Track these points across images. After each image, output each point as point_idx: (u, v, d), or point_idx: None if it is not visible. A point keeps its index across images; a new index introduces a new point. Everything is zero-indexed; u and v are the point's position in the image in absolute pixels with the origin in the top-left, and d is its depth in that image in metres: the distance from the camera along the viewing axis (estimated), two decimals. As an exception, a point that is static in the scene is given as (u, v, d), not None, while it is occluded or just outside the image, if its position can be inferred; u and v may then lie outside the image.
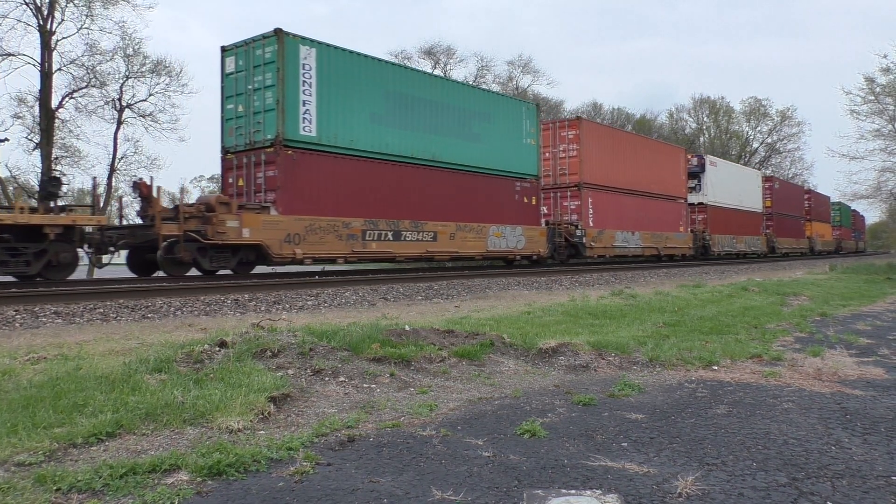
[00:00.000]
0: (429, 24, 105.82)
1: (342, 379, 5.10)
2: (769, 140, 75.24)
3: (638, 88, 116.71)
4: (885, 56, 39.50)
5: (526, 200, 21.97)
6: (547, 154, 24.93)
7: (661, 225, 30.15)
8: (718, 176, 36.53)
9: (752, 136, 75.48)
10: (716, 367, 6.00)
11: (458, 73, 53.54)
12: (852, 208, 70.35)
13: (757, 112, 74.21)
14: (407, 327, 6.69)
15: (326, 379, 5.06)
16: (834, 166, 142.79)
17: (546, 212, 24.76)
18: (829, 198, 63.00)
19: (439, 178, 18.87)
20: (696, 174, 35.15)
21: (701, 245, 34.08)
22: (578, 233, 24.48)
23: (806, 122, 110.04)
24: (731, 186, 37.81)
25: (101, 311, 9.97)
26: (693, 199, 34.44)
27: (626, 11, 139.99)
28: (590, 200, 25.25)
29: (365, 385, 5.04)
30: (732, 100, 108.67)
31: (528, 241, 21.73)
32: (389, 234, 17.21)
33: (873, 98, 29.85)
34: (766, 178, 46.38)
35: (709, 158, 36.65)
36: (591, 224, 25.17)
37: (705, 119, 74.70)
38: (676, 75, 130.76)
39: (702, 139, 73.45)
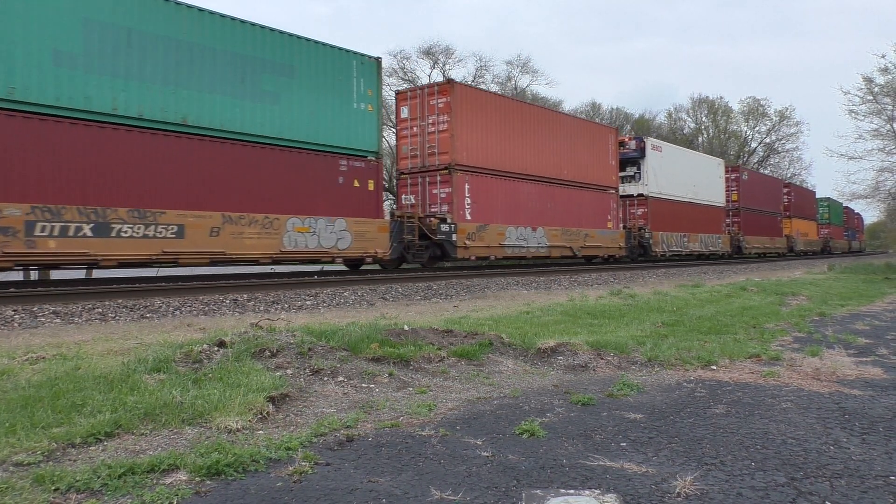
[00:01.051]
0: (429, 24, 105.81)
1: (341, 379, 5.10)
2: (767, 140, 75.32)
3: (638, 88, 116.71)
4: (883, 56, 39.57)
5: (357, 185, 16.71)
6: (414, 128, 20.21)
7: (578, 219, 24.50)
8: (665, 163, 31.20)
9: (750, 136, 75.57)
10: (714, 367, 6.00)
11: (457, 73, 53.54)
12: (845, 205, 67.34)
13: (755, 112, 74.30)
14: (406, 327, 6.69)
15: (325, 379, 5.06)
16: (832, 166, 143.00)
17: (413, 202, 20.15)
18: (814, 192, 59.34)
19: (196, 151, 13.71)
20: (633, 160, 30.01)
21: (637, 244, 28.84)
22: (445, 228, 19.01)
23: (804, 121, 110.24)
24: (683, 176, 32.62)
25: (100, 310, 9.96)
26: (631, 189, 29.87)
27: (626, 11, 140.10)
28: (466, 187, 19.80)
29: (364, 385, 5.04)
30: (731, 100, 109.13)
31: (356, 239, 16.51)
32: (86, 229, 11.96)
33: (871, 98, 29.87)
34: (732, 168, 41.28)
35: (651, 142, 30.84)
36: (468, 217, 19.82)
37: (704, 119, 74.77)
38: (676, 75, 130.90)
39: (700, 139, 73.50)
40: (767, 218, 44.28)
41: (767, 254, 44.29)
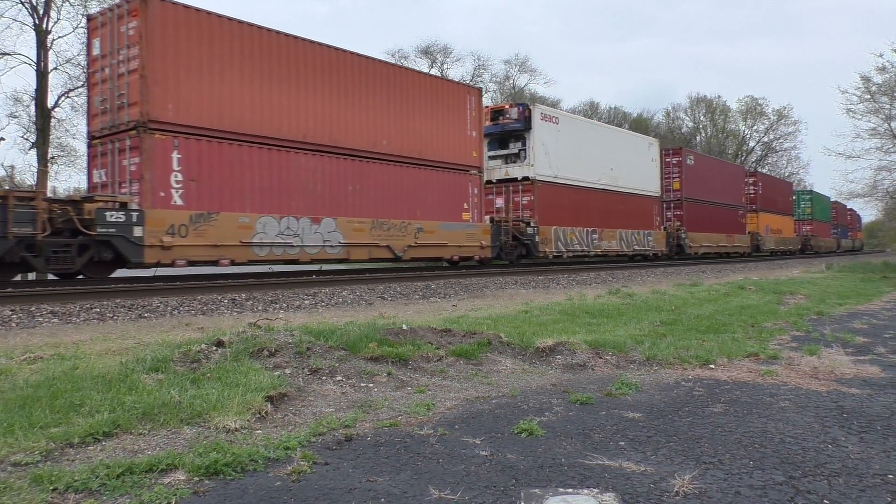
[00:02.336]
0: (428, 24, 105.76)
1: (339, 378, 5.10)
2: (766, 139, 75.45)
3: (637, 87, 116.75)
4: (881, 55, 39.51)
5: None
6: (106, 70, 13.93)
7: (410, 209, 18.23)
8: (563, 139, 24.46)
9: (748, 136, 75.66)
10: (713, 366, 6.01)
11: (456, 72, 53.52)
12: (832, 199, 62.59)
13: (753, 111, 74.44)
14: (404, 326, 6.69)
15: (324, 378, 5.06)
16: (830, 165, 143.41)
17: (104, 180, 13.86)
18: (790, 184, 54.09)
19: None
20: (517, 134, 23.54)
21: (516, 242, 22.21)
22: (116, 218, 12.53)
23: (802, 120, 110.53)
24: (594, 156, 26.04)
25: (98, 310, 9.95)
26: (515, 171, 23.51)
27: (626, 11, 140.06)
28: (174, 157, 13.49)
29: (362, 384, 5.04)
30: (729, 99, 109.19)
31: None
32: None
33: (869, 97, 29.89)
34: (674, 151, 34.27)
35: (539, 109, 24.10)
36: (179, 202, 13.50)
37: (702, 118, 74.85)
38: (675, 74, 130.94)
39: (698, 138, 73.58)
40: (723, 211, 37.32)
41: (723, 254, 37.70)
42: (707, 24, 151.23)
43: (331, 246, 16.23)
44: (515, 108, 23.56)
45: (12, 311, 9.44)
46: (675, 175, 33.23)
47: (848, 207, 70.61)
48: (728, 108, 74.70)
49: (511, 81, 57.17)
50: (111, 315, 9.83)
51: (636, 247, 28.90)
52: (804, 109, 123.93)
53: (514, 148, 23.90)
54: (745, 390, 5.08)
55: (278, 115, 15.38)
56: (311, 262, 16.36)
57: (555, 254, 23.74)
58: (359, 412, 4.30)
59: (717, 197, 36.76)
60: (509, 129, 23.56)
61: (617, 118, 66.37)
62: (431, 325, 7.11)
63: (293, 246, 15.37)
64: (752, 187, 43.04)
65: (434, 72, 51.87)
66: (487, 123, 22.96)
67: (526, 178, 23.36)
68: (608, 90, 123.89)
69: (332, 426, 3.95)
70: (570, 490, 2.98)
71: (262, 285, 13.45)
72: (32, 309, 9.67)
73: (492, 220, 21.80)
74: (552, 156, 23.95)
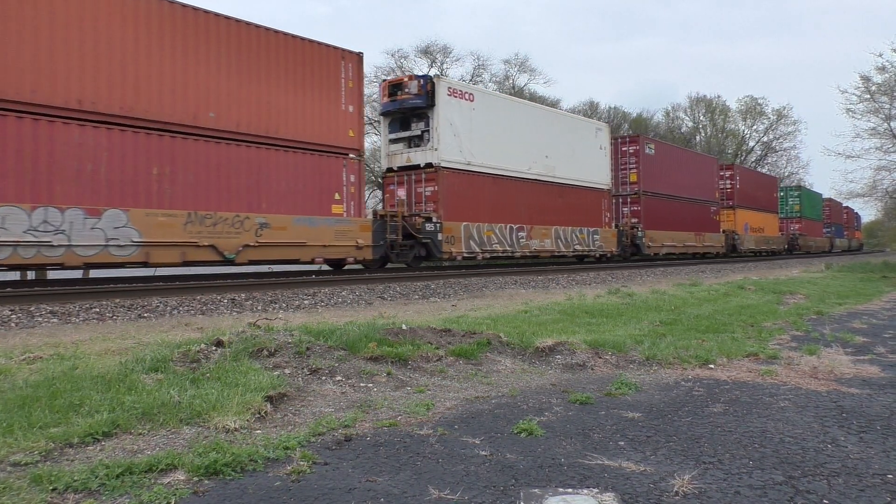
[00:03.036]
0: (429, 24, 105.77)
1: (339, 378, 5.10)
2: (765, 139, 75.44)
3: (638, 87, 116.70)
4: (880, 55, 39.58)
5: None
6: None
7: (243, 199, 14.38)
8: (480, 119, 20.60)
9: (748, 135, 75.67)
10: (712, 366, 6.01)
11: (455, 72, 53.48)
12: (825, 197, 60.24)
13: (753, 111, 74.43)
14: (404, 326, 6.68)
15: (323, 378, 5.06)
16: (830, 165, 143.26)
17: None
18: (775, 179, 49.61)
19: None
20: (419, 112, 19.70)
21: (405, 241, 18.44)
22: None
23: (802, 120, 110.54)
24: (522, 142, 22.12)
25: (98, 310, 9.95)
26: (419, 157, 19.74)
27: (626, 11, 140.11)
28: None
29: (362, 384, 5.04)
30: (729, 99, 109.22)
31: None
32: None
33: (869, 97, 29.88)
34: (630, 139, 30.15)
35: (446, 83, 19.81)
36: None
37: (701, 118, 74.86)
38: (676, 74, 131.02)
39: (698, 138, 73.59)
40: (692, 207, 33.49)
41: (691, 255, 34.30)
42: (707, 25, 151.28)
43: (118, 246, 12.36)
44: (415, 82, 19.66)
45: (12, 310, 9.44)
46: (631, 166, 29.19)
47: (844, 206, 68.01)
48: (728, 107, 74.75)
49: (511, 81, 57.13)
50: (111, 315, 9.83)
51: (577, 246, 24.60)
52: (804, 109, 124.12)
53: (416, 129, 20.06)
54: (744, 390, 5.09)
55: (31, 69, 11.38)
56: (86, 266, 12.62)
57: (465, 255, 19.92)
58: (358, 412, 4.30)
59: (684, 191, 32.83)
60: (409, 106, 19.63)
61: (617, 118, 66.39)
62: (431, 324, 7.11)
63: (54, 246, 11.53)
64: (728, 181, 39.06)
65: (434, 72, 51.79)
66: (385, 100, 20.26)
67: (429, 165, 19.53)
68: (608, 90, 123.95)
69: (331, 426, 3.95)
70: (570, 490, 2.98)
71: (262, 285, 13.45)
72: (32, 309, 9.66)
73: (375, 213, 17.87)
74: (464, 139, 20.13)
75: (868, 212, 75.12)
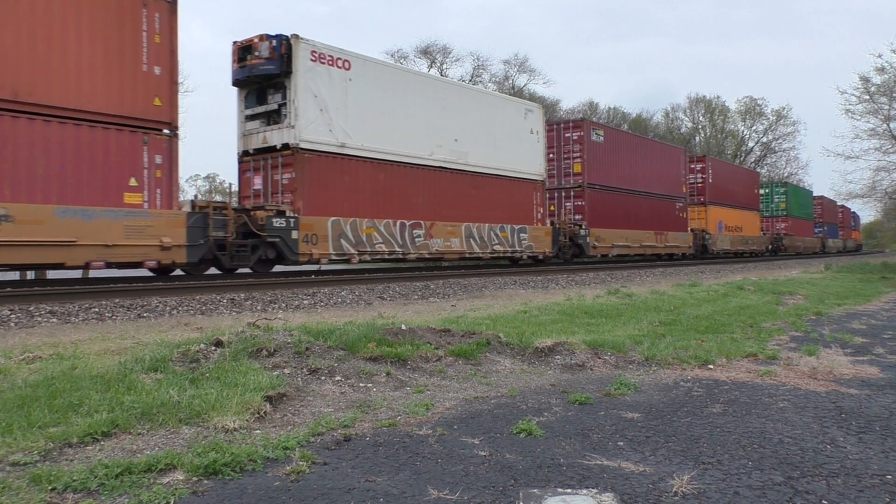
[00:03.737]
0: (429, 24, 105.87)
1: (338, 378, 5.10)
2: (764, 139, 75.48)
3: (638, 87, 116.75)
4: (879, 55, 39.52)
5: None
6: None
7: None
8: (359, 93, 16.92)
9: (747, 136, 75.71)
10: (711, 366, 6.01)
11: (455, 73, 53.50)
12: (816, 194, 58.08)
13: (752, 111, 74.48)
14: (403, 326, 6.68)
15: (323, 378, 5.06)
16: (829, 166, 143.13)
17: None
18: (756, 174, 45.97)
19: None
20: (273, 82, 16.05)
21: (243, 240, 14.73)
22: None
23: (801, 121, 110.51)
24: (425, 122, 18.58)
25: (97, 310, 9.95)
26: (274, 138, 15.99)
27: (626, 11, 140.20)
28: None
29: (361, 384, 5.04)
30: (728, 99, 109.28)
31: None
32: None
33: (868, 97, 29.89)
34: (574, 124, 26.17)
35: (308, 46, 15.87)
36: None
37: (701, 118, 74.89)
38: (676, 75, 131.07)
39: (697, 138, 73.60)
40: (651, 203, 29.66)
41: (649, 255, 30.27)
42: (707, 25, 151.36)
43: None
44: (267, 43, 15.57)
45: (11, 310, 9.43)
46: (575, 155, 25.36)
47: (839, 204, 65.05)
48: (727, 108, 74.80)
49: (510, 81, 57.18)
50: (110, 315, 9.83)
51: (497, 247, 20.82)
52: (803, 110, 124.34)
53: (272, 102, 16.16)
54: (743, 390, 5.09)
55: None
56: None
57: (334, 257, 16.27)
58: (358, 412, 4.30)
59: (643, 185, 28.97)
60: (260, 73, 15.70)
61: (616, 118, 66.44)
62: (430, 324, 7.11)
63: None
64: (698, 175, 35.27)
65: (433, 72, 51.69)
66: (235, 66, 16.36)
67: (286, 147, 15.75)
68: (609, 90, 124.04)
69: (330, 426, 3.95)
70: (569, 490, 2.98)
71: (261, 285, 13.44)
72: (31, 309, 9.66)
73: (193, 205, 13.96)
74: (335, 114, 16.28)
75: (867, 212, 74.81)
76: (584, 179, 25.58)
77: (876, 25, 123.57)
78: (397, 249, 17.73)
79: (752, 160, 74.02)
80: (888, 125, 29.66)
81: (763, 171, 69.30)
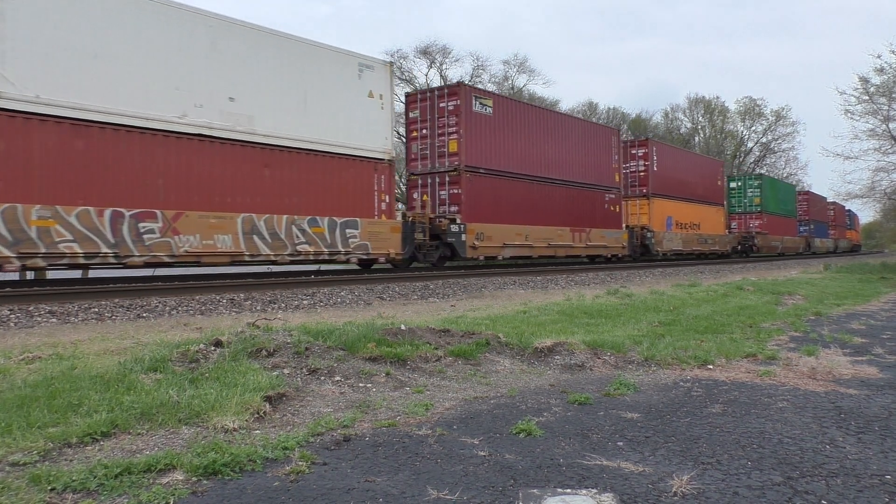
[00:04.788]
0: (430, 24, 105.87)
1: (338, 378, 5.10)
2: (764, 140, 75.51)
3: (639, 87, 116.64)
4: (879, 56, 39.64)
5: None
6: None
7: None
8: (28, 13, 11.48)
9: (746, 136, 75.76)
10: (711, 367, 6.01)
11: (455, 73, 53.47)
12: (801, 189, 54.91)
13: (752, 112, 74.50)
14: (403, 326, 6.68)
15: (322, 378, 5.06)
16: (828, 166, 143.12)
17: None
18: (719, 163, 40.10)
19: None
20: None
21: None
22: None
23: (800, 121, 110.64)
24: (170, 68, 13.47)
25: (96, 310, 9.95)
26: None
27: (627, 12, 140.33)
28: None
29: (361, 384, 5.04)
30: (728, 100, 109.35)
31: None
32: None
33: (867, 98, 29.88)
34: (450, 91, 20.48)
35: None
36: None
37: (700, 119, 74.92)
38: (676, 75, 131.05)
39: (697, 138, 73.61)
40: (567, 193, 24.17)
41: (561, 257, 24.57)
42: (707, 26, 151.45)
43: None
44: None
45: (10, 310, 9.43)
46: (451, 130, 19.95)
47: (829, 201, 61.19)
48: (726, 108, 74.83)
49: (510, 82, 57.17)
50: (109, 315, 9.82)
51: (304, 246, 15.37)
52: (802, 110, 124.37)
53: None
54: (743, 391, 5.09)
55: None
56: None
57: None
58: (357, 412, 4.30)
59: (555, 171, 23.69)
60: None
61: (616, 118, 66.41)
62: (430, 325, 7.11)
63: None
64: (640, 162, 29.93)
65: (433, 71, 51.61)
66: None
67: None
68: (609, 91, 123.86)
69: (330, 426, 3.95)
70: (569, 490, 2.98)
71: (261, 285, 13.44)
72: (31, 309, 9.66)
73: None
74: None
75: (867, 213, 74.61)
76: (460, 161, 19.86)
77: (876, 25, 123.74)
78: (105, 251, 12.32)
79: (752, 160, 74.06)
80: (887, 126, 29.67)
81: (763, 171, 69.23)
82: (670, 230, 31.68)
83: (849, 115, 31.13)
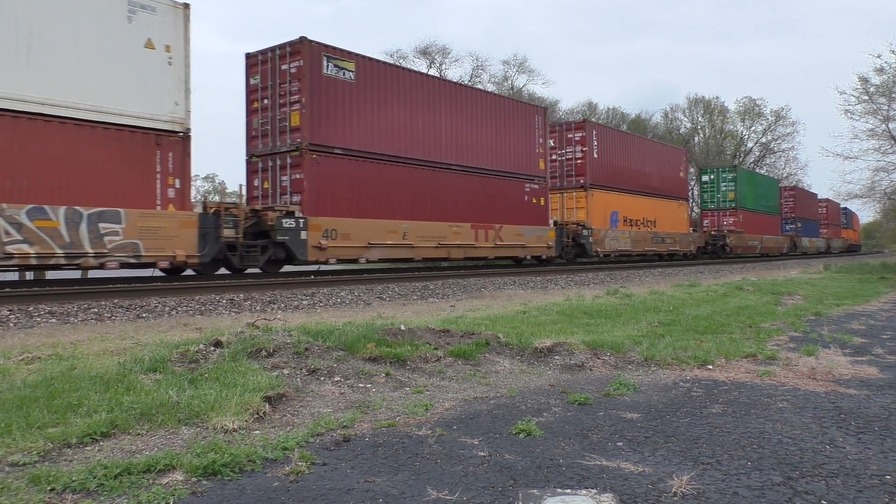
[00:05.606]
0: (430, 24, 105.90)
1: (337, 378, 5.10)
2: (763, 140, 75.52)
3: (640, 88, 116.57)
4: (878, 56, 39.64)
5: None
6: None
7: None
8: None
9: (746, 136, 75.77)
10: (711, 367, 6.01)
11: (454, 73, 53.47)
12: (785, 185, 51.87)
13: (751, 112, 74.48)
14: (402, 327, 6.68)
15: (322, 378, 5.06)
16: (828, 166, 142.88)
17: None
18: (681, 152, 35.28)
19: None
20: None
21: None
22: None
23: (800, 121, 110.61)
24: None
25: (96, 310, 9.94)
26: None
27: (628, 12, 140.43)
28: None
29: (360, 385, 5.04)
30: (728, 100, 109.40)
31: None
32: None
33: (867, 98, 29.88)
34: (293, 49, 16.01)
35: None
36: None
37: (700, 119, 74.92)
38: (677, 75, 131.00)
39: (696, 139, 73.61)
40: (471, 182, 20.06)
41: (459, 259, 19.81)
42: (708, 26, 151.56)
43: None
44: None
45: (10, 311, 9.43)
46: (293, 100, 15.82)
47: (821, 198, 57.63)
48: (726, 108, 74.81)
49: (510, 82, 57.20)
50: (109, 315, 9.82)
51: (23, 247, 11.11)
52: (802, 111, 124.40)
53: None
54: (742, 391, 5.09)
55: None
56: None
57: None
58: (357, 412, 4.30)
59: (452, 155, 19.40)
60: None
61: (615, 118, 66.42)
62: (430, 325, 7.11)
63: None
64: (576, 148, 25.68)
65: (433, 72, 51.64)
66: None
67: None
68: (610, 91, 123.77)
69: (330, 426, 3.95)
70: (569, 491, 2.98)
71: (261, 285, 13.44)
72: (30, 309, 9.65)
73: None
74: None
75: (867, 213, 74.40)
76: (303, 138, 15.56)
77: (875, 26, 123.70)
78: None
79: (752, 160, 74.05)
80: (887, 126, 29.68)
81: (762, 171, 69.18)
82: (615, 227, 27.36)
83: (848, 115, 31.13)
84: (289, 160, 15.98)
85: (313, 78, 15.88)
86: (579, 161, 25.96)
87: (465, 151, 20.09)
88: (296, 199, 15.93)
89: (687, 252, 33.41)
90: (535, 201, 22.72)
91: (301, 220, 15.49)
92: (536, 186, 22.84)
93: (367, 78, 17.17)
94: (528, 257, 22.67)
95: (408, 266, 21.12)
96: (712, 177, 40.56)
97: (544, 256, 23.19)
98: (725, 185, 39.62)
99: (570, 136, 26.16)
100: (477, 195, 20.40)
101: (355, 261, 17.04)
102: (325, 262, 16.37)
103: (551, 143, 25.18)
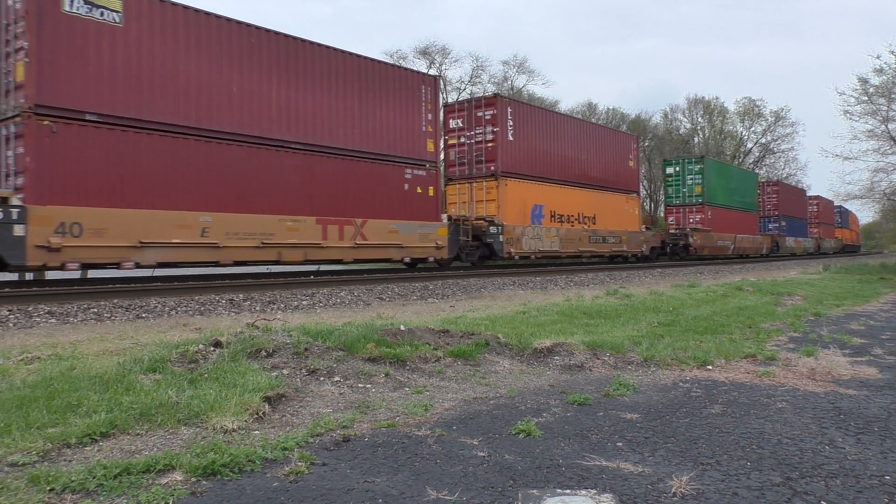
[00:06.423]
0: (430, 25, 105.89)
1: (337, 379, 5.09)
2: (763, 140, 75.55)
3: (640, 88, 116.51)
4: (878, 57, 39.67)
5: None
6: None
7: None
8: None
9: (746, 137, 75.80)
10: (710, 367, 6.01)
11: (454, 73, 53.46)
12: (765, 180, 48.33)
13: (751, 112, 74.50)
14: (402, 327, 6.68)
15: (321, 379, 5.06)
16: (828, 167, 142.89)
17: None
18: (633, 137, 30.06)
19: None
20: None
21: None
22: None
23: (800, 122, 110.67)
24: None
25: (96, 310, 9.94)
26: None
27: (627, 12, 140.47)
28: None
29: (360, 385, 5.04)
30: (727, 100, 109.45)
31: None
32: None
33: (867, 99, 29.87)
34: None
35: None
36: None
37: (700, 119, 74.95)
38: (677, 76, 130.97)
39: (696, 139, 73.63)
40: (318, 162, 15.68)
41: (297, 262, 15.57)
42: (707, 26, 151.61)
43: None
44: None
45: (9, 311, 9.42)
46: (18, 46, 11.46)
47: (811, 195, 54.45)
48: (726, 109, 74.86)
49: (510, 82, 57.22)
50: (109, 315, 9.82)
51: None
52: (802, 111, 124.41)
53: None
54: (742, 391, 5.09)
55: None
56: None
57: None
58: (356, 413, 4.30)
59: (283, 128, 15.01)
60: None
61: (615, 119, 66.43)
62: (429, 325, 7.11)
63: None
64: (487, 128, 21.31)
65: (433, 72, 51.79)
66: None
67: None
68: (610, 91, 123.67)
69: (329, 427, 3.95)
70: (568, 491, 2.98)
71: (260, 286, 13.44)
72: (30, 309, 9.65)
73: None
74: None
75: (866, 213, 74.33)
76: (27, 98, 11.34)
77: (876, 26, 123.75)
78: None
79: (751, 161, 74.08)
80: (886, 126, 29.68)
81: (762, 171, 69.21)
82: (538, 224, 22.79)
83: (848, 115, 31.11)
84: (13, 129, 11.55)
85: (44, 16, 11.44)
86: (490, 144, 21.37)
87: (310, 126, 15.64)
88: (18, 181, 11.48)
89: (637, 253, 28.94)
90: (420, 191, 18.35)
91: (15, 211, 10.98)
92: (423, 173, 18.39)
93: (143, 20, 12.69)
94: (407, 260, 18.11)
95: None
96: (677, 168, 35.59)
97: (431, 259, 18.72)
98: (692, 179, 34.76)
99: (479, 114, 21.59)
100: (328, 182, 16.00)
101: (117, 265, 12.34)
102: (61, 268, 11.84)
103: (459, 123, 21.90)
